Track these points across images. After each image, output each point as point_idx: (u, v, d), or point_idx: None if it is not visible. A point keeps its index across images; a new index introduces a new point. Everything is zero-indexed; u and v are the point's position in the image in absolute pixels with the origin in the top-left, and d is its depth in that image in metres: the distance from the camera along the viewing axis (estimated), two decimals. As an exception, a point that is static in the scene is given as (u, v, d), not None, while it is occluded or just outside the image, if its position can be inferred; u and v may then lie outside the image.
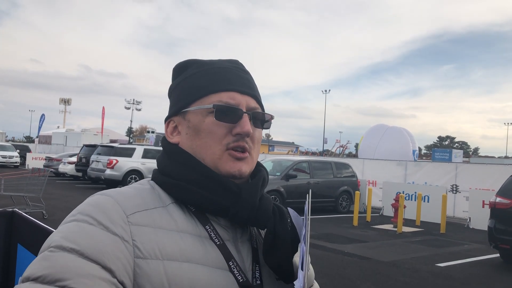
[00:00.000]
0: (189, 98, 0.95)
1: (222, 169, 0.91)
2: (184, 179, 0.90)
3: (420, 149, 69.90)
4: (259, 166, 1.01)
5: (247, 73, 1.00)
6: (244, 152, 0.92)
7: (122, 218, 0.80)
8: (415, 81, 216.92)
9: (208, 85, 0.94)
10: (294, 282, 0.80)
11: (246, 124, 0.91)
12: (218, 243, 0.87)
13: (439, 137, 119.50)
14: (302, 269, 0.80)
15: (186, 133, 0.95)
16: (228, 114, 0.91)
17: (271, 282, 0.91)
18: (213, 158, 0.91)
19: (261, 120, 0.97)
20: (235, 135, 0.91)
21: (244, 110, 0.93)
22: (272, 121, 1.02)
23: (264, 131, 1.21)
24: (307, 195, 0.85)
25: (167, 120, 1.00)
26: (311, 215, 0.83)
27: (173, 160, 0.94)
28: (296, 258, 0.88)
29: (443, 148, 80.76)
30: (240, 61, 1.03)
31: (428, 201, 14.03)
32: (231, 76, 0.96)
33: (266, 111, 1.01)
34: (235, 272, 0.86)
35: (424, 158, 64.11)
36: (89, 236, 0.75)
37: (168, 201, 0.89)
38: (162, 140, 1.00)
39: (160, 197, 0.89)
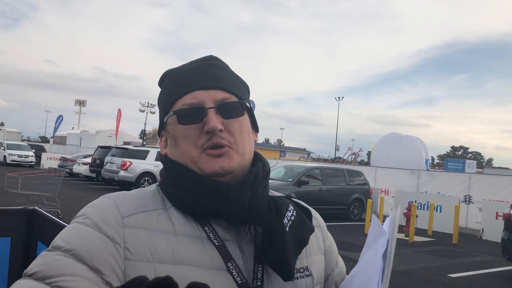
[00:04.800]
0: (164, 110, 0.97)
1: (205, 170, 0.89)
2: (177, 186, 0.91)
3: (433, 159, 69.24)
4: (257, 159, 0.98)
5: (215, 65, 0.97)
6: (221, 148, 0.90)
7: (117, 220, 0.83)
8: (428, 90, 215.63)
9: (173, 92, 0.94)
10: None
11: (211, 120, 0.88)
12: (216, 244, 0.87)
13: (452, 147, 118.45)
14: None
15: (169, 144, 0.97)
16: (190, 116, 0.90)
17: (274, 283, 0.89)
18: (194, 162, 0.90)
19: (236, 109, 0.93)
20: (207, 133, 0.89)
21: (210, 106, 0.90)
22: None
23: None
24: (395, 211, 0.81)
25: (159, 134, 1.01)
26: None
27: (166, 170, 0.96)
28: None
29: (456, 158, 79.90)
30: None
31: (440, 211, 13.91)
32: (194, 75, 0.94)
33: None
34: (234, 273, 0.85)
35: (436, 167, 63.50)
36: (82, 237, 0.80)
37: (170, 204, 0.90)
38: (160, 155, 1.02)
39: (164, 201, 0.91)
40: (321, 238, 1.06)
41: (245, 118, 0.95)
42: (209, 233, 0.87)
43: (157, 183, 0.98)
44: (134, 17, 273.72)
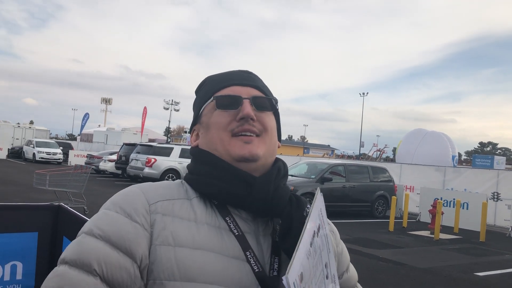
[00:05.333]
0: (201, 104, 1.06)
1: (233, 153, 0.96)
2: (204, 173, 0.98)
3: (460, 155, 67.87)
4: (277, 160, 1.06)
5: (252, 74, 1.09)
6: (251, 135, 0.97)
7: (145, 207, 0.90)
8: (456, 85, 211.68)
9: (211, 89, 1.04)
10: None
11: (245, 107, 0.98)
12: (236, 234, 0.92)
13: (481, 143, 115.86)
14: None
15: (201, 133, 1.05)
16: (229, 103, 0.99)
17: None
18: (223, 146, 0.97)
19: (267, 105, 1.03)
20: (239, 121, 0.97)
21: (245, 97, 1.00)
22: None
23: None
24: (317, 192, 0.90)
25: (190, 131, 1.10)
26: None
27: (195, 160, 1.04)
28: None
29: (485, 154, 78.11)
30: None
31: (467, 208, 13.64)
32: (232, 75, 1.06)
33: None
34: (252, 262, 0.89)
35: (464, 164, 62.21)
36: (114, 224, 0.86)
37: (193, 196, 0.97)
38: (189, 149, 1.10)
39: (187, 192, 0.98)
40: (334, 243, 1.09)
41: (273, 118, 1.04)
42: (230, 223, 0.93)
43: (181, 180, 1.04)
44: (158, 16, 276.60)
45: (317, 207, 0.88)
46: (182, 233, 0.88)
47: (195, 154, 1.04)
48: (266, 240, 0.95)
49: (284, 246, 0.92)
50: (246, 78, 1.05)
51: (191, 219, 0.91)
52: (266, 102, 1.02)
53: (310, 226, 0.82)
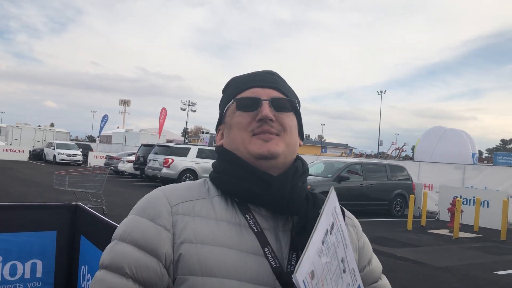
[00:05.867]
0: (224, 105, 1.11)
1: (253, 152, 1.00)
2: (226, 172, 1.04)
3: (480, 153, 66.76)
4: (297, 158, 1.09)
5: (274, 75, 1.12)
6: (270, 134, 1.01)
7: (167, 209, 0.96)
8: (476, 81, 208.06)
9: (236, 89, 1.09)
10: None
11: (264, 109, 1.01)
12: (256, 230, 0.97)
13: (502, 140, 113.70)
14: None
15: (225, 133, 1.09)
16: (248, 104, 1.04)
17: None
18: (244, 144, 1.02)
19: (287, 105, 1.06)
20: (258, 121, 1.02)
21: (264, 99, 1.03)
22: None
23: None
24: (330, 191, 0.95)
25: (216, 130, 1.15)
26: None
27: (220, 159, 1.09)
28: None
29: (507, 151, 76.68)
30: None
31: (487, 207, 13.43)
32: (254, 77, 1.09)
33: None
34: (270, 258, 0.94)
35: (485, 162, 61.20)
36: (139, 228, 0.95)
37: (214, 194, 1.02)
38: (215, 148, 1.15)
39: (209, 191, 1.03)
40: (355, 237, 1.12)
41: (294, 117, 1.08)
42: (250, 220, 0.98)
43: (204, 178, 1.10)
44: (174, 18, 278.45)
45: (330, 205, 0.91)
46: (202, 231, 0.94)
47: (220, 152, 1.09)
48: (285, 236, 0.99)
49: (299, 243, 0.95)
50: (267, 80, 1.08)
51: (211, 217, 0.96)
52: (286, 103, 1.05)
53: (321, 225, 0.86)
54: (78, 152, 32.34)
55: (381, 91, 64.80)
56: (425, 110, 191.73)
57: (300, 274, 0.76)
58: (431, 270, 7.36)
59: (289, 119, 1.05)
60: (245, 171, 1.01)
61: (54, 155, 31.45)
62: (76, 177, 10.47)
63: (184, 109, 59.52)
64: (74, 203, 3.08)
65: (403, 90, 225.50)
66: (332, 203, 0.92)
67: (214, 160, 1.12)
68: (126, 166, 23.13)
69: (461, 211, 11.67)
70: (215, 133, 1.16)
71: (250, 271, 0.92)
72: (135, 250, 0.92)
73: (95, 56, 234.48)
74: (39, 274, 2.87)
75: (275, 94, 1.05)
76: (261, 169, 1.01)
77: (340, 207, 1.07)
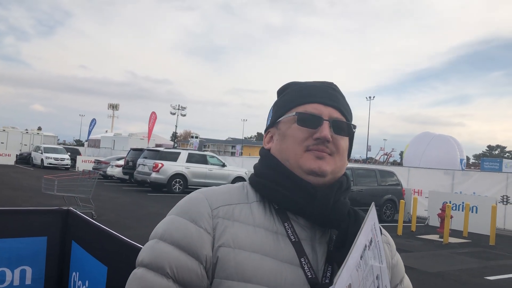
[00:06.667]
0: (282, 111, 1.10)
1: (304, 166, 1.00)
2: (270, 179, 1.03)
3: (468, 158, 67.48)
4: (343, 174, 1.09)
5: (336, 90, 1.11)
6: (324, 152, 1.01)
7: (208, 212, 0.97)
8: (463, 88, 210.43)
9: (297, 99, 1.08)
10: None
11: (324, 129, 1.01)
12: (293, 240, 0.97)
13: (489, 146, 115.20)
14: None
15: (277, 139, 1.09)
16: (309, 121, 1.03)
17: None
18: (295, 158, 1.02)
19: (345, 129, 1.06)
20: (315, 140, 1.01)
21: (326, 118, 1.03)
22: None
23: None
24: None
25: (266, 131, 1.15)
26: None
27: (263, 164, 1.09)
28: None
29: (493, 157, 77.56)
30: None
31: (476, 212, 13.53)
32: (318, 91, 1.08)
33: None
34: (306, 268, 0.94)
35: (472, 167, 61.83)
36: (181, 229, 0.95)
37: (253, 199, 1.02)
38: (261, 148, 1.15)
39: (248, 195, 1.03)
40: (390, 255, 1.12)
41: (347, 140, 1.08)
42: (288, 229, 0.98)
43: (243, 182, 1.11)
44: (164, 22, 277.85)
45: (371, 221, 0.91)
46: (241, 236, 0.94)
47: (266, 157, 1.09)
48: (322, 247, 0.99)
49: (337, 259, 0.96)
50: (330, 97, 1.07)
51: (250, 223, 0.97)
52: (345, 127, 1.06)
53: (361, 240, 0.86)
54: (66, 156, 32.06)
55: (370, 97, 65.29)
56: (413, 116, 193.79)
57: (339, 286, 0.77)
58: (422, 276, 7.37)
59: (344, 141, 1.06)
60: (291, 182, 1.01)
61: (42, 159, 31.12)
62: (65, 182, 10.36)
63: (174, 113, 59.31)
64: (66, 208, 3.02)
65: (391, 96, 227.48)
66: (372, 218, 0.92)
67: (256, 162, 1.12)
68: (115, 171, 22.96)
69: (451, 217, 11.73)
70: (204, 138, 1.12)
71: (285, 280, 0.91)
72: (176, 251, 0.92)
73: (84, 60, 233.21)
74: (28, 281, 2.79)
75: (336, 115, 1.05)
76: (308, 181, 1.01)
77: (379, 225, 1.06)
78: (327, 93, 1.08)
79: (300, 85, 1.12)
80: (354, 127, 1.10)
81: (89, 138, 55.06)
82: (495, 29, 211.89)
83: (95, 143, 56.73)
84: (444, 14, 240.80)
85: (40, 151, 31.99)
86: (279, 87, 1.18)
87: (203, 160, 19.28)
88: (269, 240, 0.95)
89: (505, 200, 15.19)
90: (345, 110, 1.09)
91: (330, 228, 1.02)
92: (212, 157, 20.31)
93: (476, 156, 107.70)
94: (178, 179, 18.13)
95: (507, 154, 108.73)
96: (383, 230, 1.12)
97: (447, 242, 11.11)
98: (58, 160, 31.11)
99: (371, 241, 0.90)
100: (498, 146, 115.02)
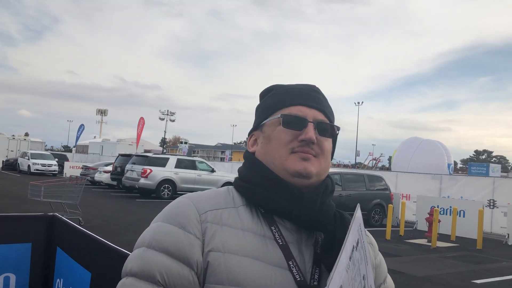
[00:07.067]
0: (266, 113, 1.10)
1: (289, 168, 1.01)
2: (254, 183, 1.04)
3: (455, 163, 68.07)
4: (327, 177, 1.09)
5: (319, 93, 1.13)
6: (309, 154, 1.02)
7: (196, 217, 0.96)
8: (450, 93, 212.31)
9: (281, 101, 1.09)
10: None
11: (309, 131, 1.02)
12: (281, 243, 0.97)
13: (476, 151, 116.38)
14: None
15: (261, 142, 1.09)
16: (294, 123, 1.04)
17: None
18: (281, 160, 1.02)
19: (329, 131, 1.07)
20: (300, 141, 1.02)
21: (311, 120, 1.04)
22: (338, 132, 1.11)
23: None
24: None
25: (250, 134, 1.15)
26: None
27: (248, 167, 1.08)
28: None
29: (480, 162, 78.37)
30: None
31: (463, 216, 13.64)
32: (302, 94, 1.09)
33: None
34: (294, 271, 0.94)
35: (460, 172, 62.39)
36: (170, 235, 0.93)
37: (239, 203, 1.02)
38: (244, 151, 1.15)
39: (234, 200, 1.03)
40: (373, 255, 1.13)
41: (331, 142, 1.09)
42: (275, 232, 0.98)
43: (228, 186, 1.10)
44: (153, 27, 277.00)
45: (357, 222, 0.92)
46: (230, 241, 0.94)
47: (250, 161, 1.09)
48: (308, 250, 1.00)
49: (325, 261, 0.97)
50: (314, 99, 1.08)
51: (238, 227, 0.97)
52: (328, 128, 1.07)
53: (349, 241, 0.87)
54: (54, 162, 31.74)
55: (359, 102, 65.80)
56: (401, 121, 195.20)
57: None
58: (410, 280, 7.40)
59: (328, 143, 1.07)
60: (277, 185, 1.01)
61: (29, 165, 30.76)
62: (51, 188, 10.25)
63: (163, 119, 59.15)
64: (51, 214, 2.98)
65: (380, 101, 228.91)
66: (358, 219, 0.93)
67: (240, 166, 1.12)
68: (103, 177, 22.79)
69: (439, 221, 11.81)
70: (193, 143, 1.12)
71: (275, 283, 0.92)
72: (166, 258, 0.91)
73: (72, 65, 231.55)
74: (12, 288, 2.75)
75: (321, 117, 1.07)
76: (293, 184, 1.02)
77: (347, 215, 1.08)
78: (311, 96, 1.09)
79: (284, 88, 1.12)
80: (338, 128, 1.11)
81: (77, 143, 54.62)
82: (481, 36, 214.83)
83: (83, 149, 56.21)
84: (431, 21, 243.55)
85: (27, 157, 31.63)
86: (262, 90, 1.18)
87: (192, 165, 19.21)
88: (257, 244, 0.95)
89: (491, 204, 15.34)
90: (329, 112, 1.10)
91: (316, 230, 1.02)
92: (201, 162, 20.26)
93: (464, 161, 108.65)
94: (166, 185, 18.04)
95: (493, 159, 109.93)
96: (366, 231, 1.12)
97: (435, 246, 11.18)
98: (45, 166, 30.79)
99: (358, 242, 0.91)
100: (485, 151, 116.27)
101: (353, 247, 0.88)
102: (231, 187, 1.08)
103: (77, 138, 53.09)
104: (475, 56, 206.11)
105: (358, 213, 0.92)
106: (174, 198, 1.04)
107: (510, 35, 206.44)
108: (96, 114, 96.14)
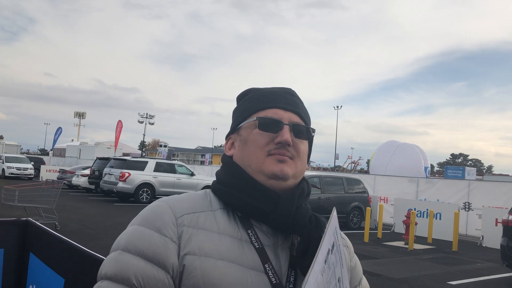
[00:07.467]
0: (242, 117, 1.11)
1: (266, 171, 1.02)
2: (232, 186, 1.04)
3: (432, 166, 69.23)
4: (303, 179, 1.11)
5: (295, 96, 1.14)
6: (285, 156, 1.03)
7: (172, 221, 0.96)
8: (427, 98, 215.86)
9: (257, 104, 1.10)
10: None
11: (285, 133, 1.03)
12: (257, 246, 0.98)
13: (452, 155, 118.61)
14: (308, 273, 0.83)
15: (238, 146, 1.10)
16: (269, 125, 1.05)
17: None
18: (257, 163, 1.03)
19: (304, 133, 1.08)
20: (276, 144, 1.03)
21: (286, 123, 1.05)
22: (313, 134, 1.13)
23: None
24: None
25: (227, 137, 1.15)
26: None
27: (225, 171, 1.09)
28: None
29: (456, 165, 79.83)
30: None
31: (440, 219, 13.88)
32: (277, 97, 1.10)
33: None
34: (270, 274, 0.95)
35: (436, 175, 63.45)
36: (146, 239, 0.93)
37: (216, 207, 1.03)
38: (222, 155, 1.15)
39: (211, 203, 1.04)
40: (349, 257, 1.15)
41: (307, 144, 1.10)
42: (252, 236, 0.99)
43: (205, 189, 1.10)
44: (132, 30, 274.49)
45: (333, 226, 0.93)
46: (206, 244, 0.94)
47: (228, 164, 1.09)
48: (284, 253, 1.01)
49: (300, 264, 0.98)
50: (290, 102, 1.10)
51: (214, 230, 0.97)
52: (304, 131, 1.08)
53: (325, 245, 0.88)
54: (30, 165, 31.17)
55: (338, 106, 66.27)
56: (379, 125, 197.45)
57: None
58: (388, 282, 7.48)
59: (303, 145, 1.08)
60: (254, 189, 1.02)
61: (3, 169, 30.11)
62: (26, 192, 10.05)
63: (142, 122, 58.62)
64: (24, 219, 2.93)
65: (358, 105, 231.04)
66: (334, 223, 0.94)
67: (218, 169, 1.13)
68: (80, 180, 22.48)
69: (416, 223, 11.98)
70: (173, 147, 1.12)
71: (251, 286, 0.92)
72: (142, 261, 0.91)
73: (49, 67, 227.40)
74: (-17, 296, 2.69)
75: (296, 119, 1.08)
76: (270, 188, 1.02)
77: (323, 217, 1.09)
78: (286, 99, 1.10)
79: (260, 91, 1.13)
80: (313, 130, 1.12)
81: (54, 147, 53.76)
82: (457, 41, 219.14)
83: (60, 152, 55.33)
84: (408, 26, 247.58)
85: (1, 161, 30.94)
86: (239, 93, 1.19)
87: (171, 169, 19.09)
88: (234, 247, 0.95)
89: (467, 206, 15.64)
90: (304, 115, 1.11)
91: (292, 233, 1.03)
92: (181, 166, 20.14)
93: (440, 164, 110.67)
94: (145, 189, 17.86)
95: (469, 162, 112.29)
96: (342, 233, 1.14)
97: (412, 248, 11.33)
98: (20, 169, 30.21)
99: (333, 245, 0.92)
100: (461, 155, 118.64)
101: (329, 250, 0.89)
102: (208, 190, 1.09)
103: (55, 141, 52.26)
104: (451, 61, 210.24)
105: (334, 217, 0.94)
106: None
107: (485, 41, 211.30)
108: (74, 117, 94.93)
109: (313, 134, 1.12)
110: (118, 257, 0.93)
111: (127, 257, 0.91)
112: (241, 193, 1.02)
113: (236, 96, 1.19)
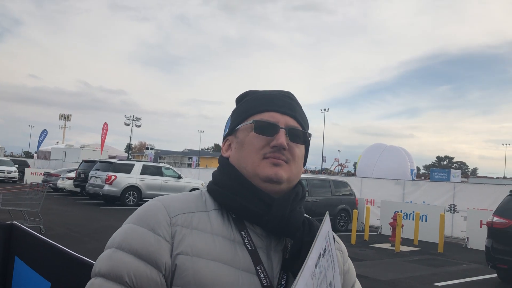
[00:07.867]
0: (240, 119, 1.12)
1: (261, 174, 1.02)
2: (227, 187, 1.05)
3: (418, 169, 69.88)
4: (298, 183, 1.11)
5: (293, 99, 1.15)
6: (280, 160, 1.04)
7: (166, 220, 0.97)
8: (413, 101, 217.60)
9: (254, 107, 1.11)
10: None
11: (280, 137, 1.03)
12: (249, 248, 0.98)
13: (438, 157, 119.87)
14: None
15: (235, 147, 1.10)
16: (265, 129, 1.06)
17: None
18: (253, 166, 1.04)
19: (300, 137, 1.09)
20: (272, 147, 1.04)
21: (282, 126, 1.06)
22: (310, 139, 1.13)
23: None
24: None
25: (224, 139, 1.16)
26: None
27: (222, 172, 1.10)
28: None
29: (442, 168, 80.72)
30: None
31: (426, 221, 14.00)
32: (275, 100, 1.11)
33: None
34: (261, 276, 0.96)
35: (422, 177, 64.06)
36: (139, 237, 0.94)
37: (211, 207, 1.03)
38: (219, 156, 1.16)
39: (206, 203, 1.04)
40: (342, 261, 1.15)
41: (303, 148, 1.11)
42: (245, 237, 0.99)
43: (201, 189, 1.11)
44: (119, 31, 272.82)
45: (325, 230, 0.94)
46: (199, 244, 0.94)
47: (224, 166, 1.10)
48: (277, 256, 1.01)
49: (292, 268, 0.98)
50: (287, 106, 1.10)
51: (208, 231, 0.97)
52: (300, 135, 1.08)
53: (316, 249, 0.88)
54: (14, 168, 30.72)
55: (325, 109, 66.67)
56: (365, 128, 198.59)
57: None
58: (374, 284, 7.52)
59: (299, 149, 1.08)
60: (249, 191, 1.02)
61: (-13, 172, 29.69)
62: (10, 195, 9.91)
63: (128, 124, 58.37)
64: (9, 222, 2.89)
65: (345, 108, 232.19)
66: (326, 227, 0.94)
67: (215, 170, 1.13)
68: (65, 183, 22.21)
69: (402, 225, 12.07)
70: (159, 149, 1.12)
71: (242, 287, 0.93)
72: (135, 260, 0.92)
73: (34, 69, 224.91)
74: (-34, 301, 2.64)
75: (292, 123, 1.08)
76: (264, 191, 1.03)
77: (332, 233, 1.08)
78: (284, 102, 1.11)
79: (258, 94, 1.14)
80: (310, 135, 1.13)
81: (39, 149, 53.17)
82: (442, 45, 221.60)
83: (45, 155, 54.69)
84: (394, 30, 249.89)
85: (-16, 164, 30.52)
86: (238, 95, 1.20)
87: (158, 172, 18.98)
88: (226, 248, 0.96)
89: (452, 209, 15.81)
90: (301, 119, 1.11)
91: (285, 236, 1.04)
92: (168, 168, 20.04)
93: (426, 167, 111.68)
94: (132, 192, 17.73)
95: (454, 164, 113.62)
96: (336, 237, 1.15)
97: (398, 250, 11.42)
98: (4, 172, 29.76)
99: (325, 249, 0.92)
100: (446, 157, 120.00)
101: (320, 255, 0.89)
102: (204, 190, 1.09)
103: (39, 144, 51.66)
104: (435, 65, 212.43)
105: (327, 221, 0.94)
106: (139, 205, 1.04)
107: (469, 45, 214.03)
108: (59, 119, 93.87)
109: (310, 138, 1.13)
110: (112, 254, 0.93)
111: (121, 255, 0.92)
112: (236, 194, 1.02)
113: (235, 98, 1.21)
